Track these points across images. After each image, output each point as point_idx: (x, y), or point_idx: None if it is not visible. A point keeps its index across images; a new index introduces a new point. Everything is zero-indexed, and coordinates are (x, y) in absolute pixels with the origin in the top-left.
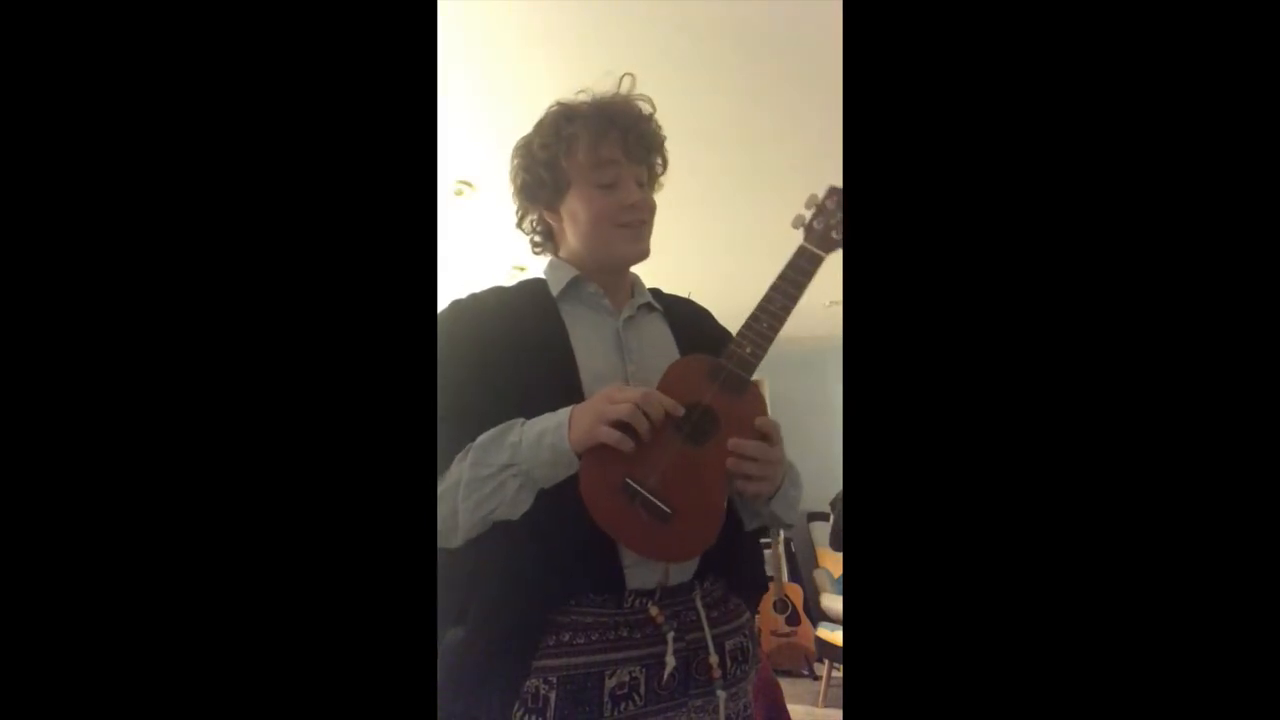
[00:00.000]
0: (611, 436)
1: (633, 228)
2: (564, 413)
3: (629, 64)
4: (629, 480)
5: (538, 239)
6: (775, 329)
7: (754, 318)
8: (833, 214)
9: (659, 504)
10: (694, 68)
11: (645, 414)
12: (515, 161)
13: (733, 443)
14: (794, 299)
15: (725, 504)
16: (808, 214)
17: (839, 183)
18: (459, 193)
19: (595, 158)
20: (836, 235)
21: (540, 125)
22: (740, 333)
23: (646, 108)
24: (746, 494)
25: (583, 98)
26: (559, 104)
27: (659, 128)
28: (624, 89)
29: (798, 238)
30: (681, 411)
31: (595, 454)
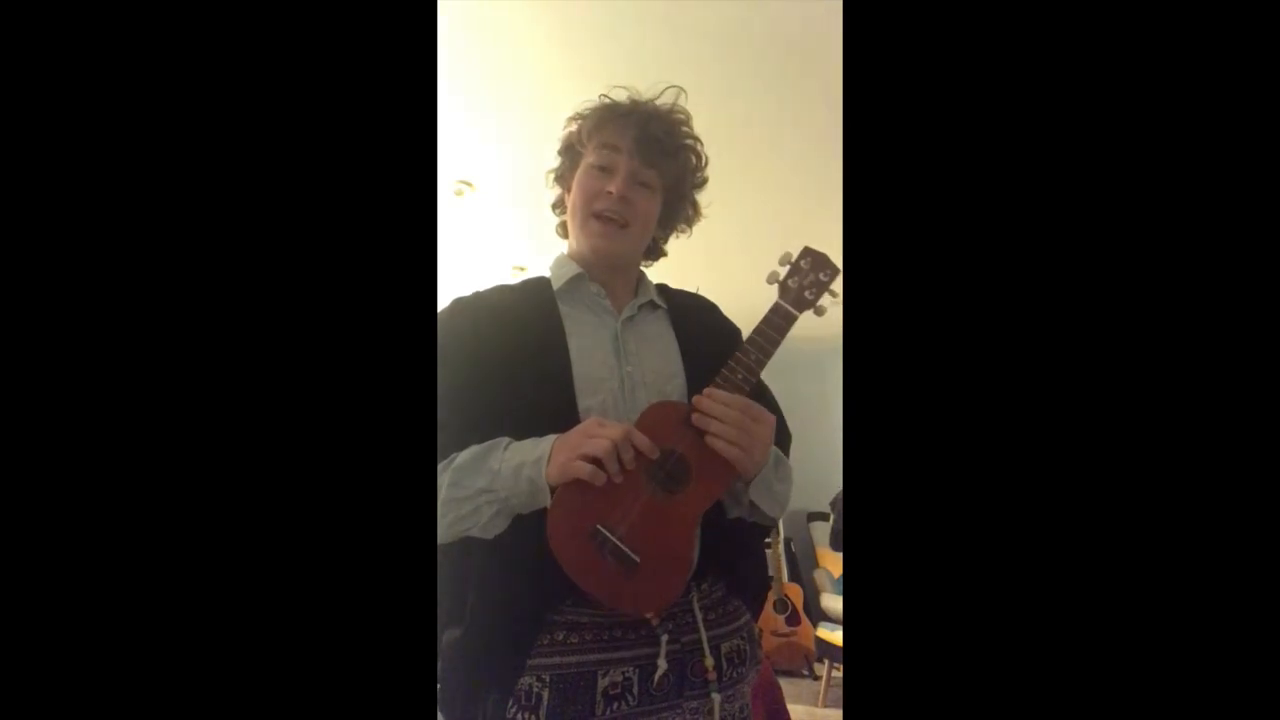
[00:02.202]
0: (583, 470)
1: (605, 222)
2: (546, 444)
3: (630, 65)
4: (599, 528)
5: (564, 220)
6: (750, 380)
7: (729, 368)
8: (807, 274)
9: (628, 552)
10: (695, 69)
11: (619, 454)
12: (558, 146)
13: (696, 398)
14: (769, 353)
15: (694, 556)
16: (782, 271)
17: (839, 179)
18: (459, 193)
19: (598, 139)
20: (810, 295)
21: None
22: (714, 383)
23: (678, 114)
24: (722, 455)
25: (620, 94)
26: (600, 95)
27: (685, 136)
28: (666, 98)
29: (792, 243)
30: (656, 454)
31: (565, 499)
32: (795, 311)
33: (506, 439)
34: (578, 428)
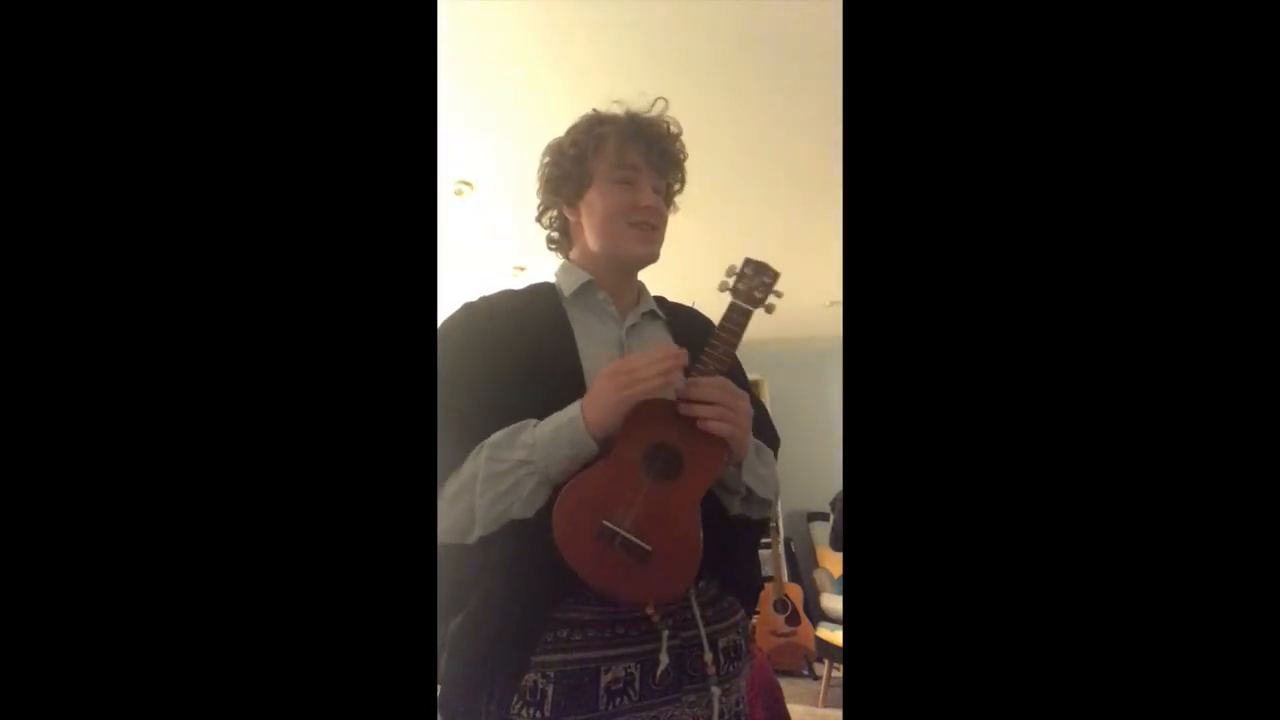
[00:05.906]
0: (652, 386)
1: (642, 229)
2: (574, 406)
3: (629, 65)
4: (606, 523)
5: (554, 235)
6: (721, 369)
7: (702, 361)
8: (751, 279)
9: (640, 543)
10: (695, 68)
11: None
12: (545, 159)
13: (680, 388)
14: (734, 345)
15: (701, 537)
16: (730, 280)
17: (838, 180)
18: (459, 193)
19: (619, 159)
20: (759, 294)
21: (574, 127)
22: (692, 371)
23: (674, 128)
24: (714, 434)
25: (616, 108)
26: (594, 111)
27: (682, 148)
28: (656, 110)
29: (790, 245)
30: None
31: (565, 502)
32: (749, 307)
33: (534, 420)
34: (599, 383)
